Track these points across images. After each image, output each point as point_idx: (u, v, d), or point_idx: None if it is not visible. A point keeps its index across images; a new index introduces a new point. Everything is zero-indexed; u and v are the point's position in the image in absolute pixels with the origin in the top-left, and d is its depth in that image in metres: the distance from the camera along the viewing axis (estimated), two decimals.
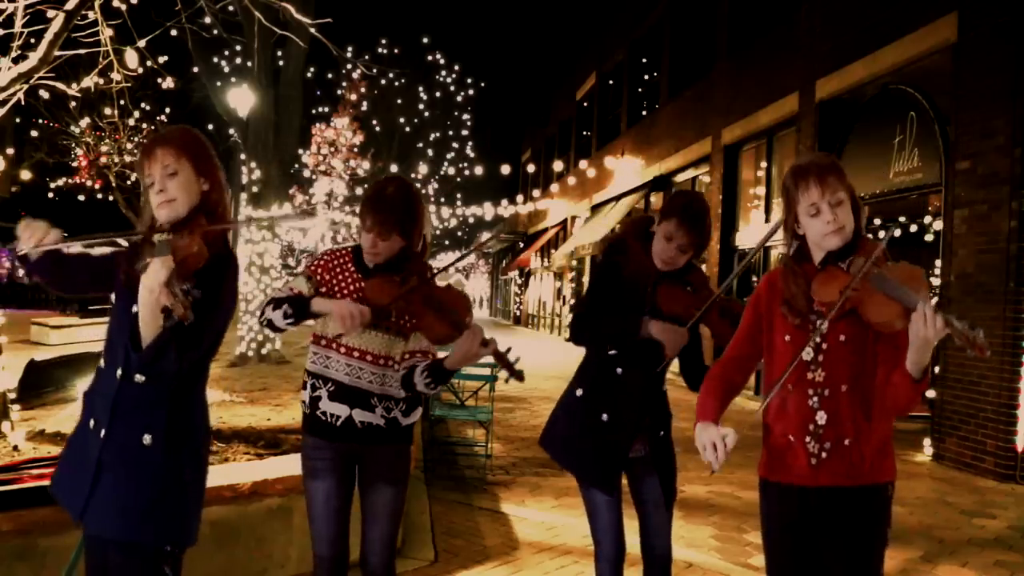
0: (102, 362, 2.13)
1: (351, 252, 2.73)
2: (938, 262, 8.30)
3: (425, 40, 24.95)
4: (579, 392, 2.83)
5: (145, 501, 2.03)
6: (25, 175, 18.58)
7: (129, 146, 18.44)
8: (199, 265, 2.00)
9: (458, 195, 26.39)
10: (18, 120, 17.83)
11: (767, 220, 12.30)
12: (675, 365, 2.89)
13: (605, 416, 2.74)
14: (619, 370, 2.75)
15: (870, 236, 2.23)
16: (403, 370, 2.65)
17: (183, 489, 2.10)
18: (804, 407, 2.11)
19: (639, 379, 2.75)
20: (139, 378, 2.02)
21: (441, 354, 2.64)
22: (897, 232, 10.39)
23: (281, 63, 12.51)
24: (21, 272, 2.16)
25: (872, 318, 1.97)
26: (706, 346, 2.91)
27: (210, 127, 20.40)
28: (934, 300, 1.89)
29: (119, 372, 2.05)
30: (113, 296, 2.13)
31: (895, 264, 2.03)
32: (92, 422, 2.09)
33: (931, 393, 7.83)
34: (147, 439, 2.03)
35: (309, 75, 16.93)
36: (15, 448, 4.31)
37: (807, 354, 2.10)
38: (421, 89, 25.76)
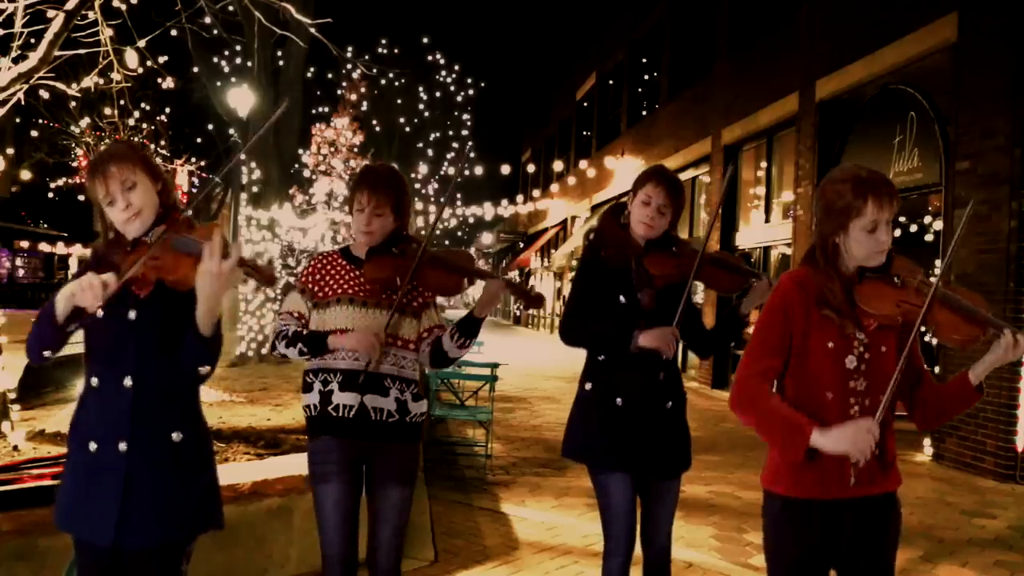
0: (94, 380, 2.08)
1: (339, 251, 2.78)
2: (938, 262, 8.31)
3: (425, 40, 24.97)
4: (588, 386, 2.82)
5: (185, 499, 2.05)
6: (25, 175, 18.61)
7: None
8: None
9: (458, 195, 26.38)
10: (18, 120, 17.85)
11: (767, 220, 12.31)
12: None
13: (619, 400, 2.73)
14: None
15: None
16: (426, 347, 2.69)
17: (212, 478, 2.16)
18: (847, 417, 2.08)
19: (646, 359, 2.72)
20: (204, 370, 2.04)
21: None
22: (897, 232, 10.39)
23: (281, 63, 12.52)
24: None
25: (950, 334, 2.07)
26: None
27: (210, 127, 20.43)
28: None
29: (128, 380, 2.03)
30: (100, 312, 2.05)
31: (956, 287, 2.16)
32: (93, 445, 2.03)
33: None
34: (176, 436, 2.05)
35: (309, 75, 16.91)
36: (15, 448, 4.30)
37: (850, 362, 2.10)
38: (421, 89, 25.76)
